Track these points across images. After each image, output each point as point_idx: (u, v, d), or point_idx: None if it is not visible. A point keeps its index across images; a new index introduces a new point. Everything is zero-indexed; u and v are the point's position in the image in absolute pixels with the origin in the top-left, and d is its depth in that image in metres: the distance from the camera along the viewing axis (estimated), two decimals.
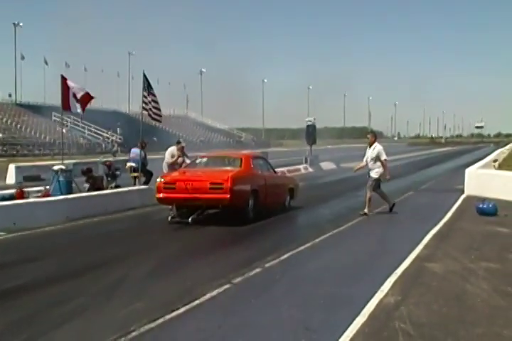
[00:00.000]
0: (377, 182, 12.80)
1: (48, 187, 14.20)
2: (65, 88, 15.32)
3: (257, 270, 7.61)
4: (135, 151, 15.96)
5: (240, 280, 7.07)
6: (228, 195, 11.02)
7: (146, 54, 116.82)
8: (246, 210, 11.65)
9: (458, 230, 10.91)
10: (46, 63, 73.14)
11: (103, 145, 58.52)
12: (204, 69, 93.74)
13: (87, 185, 14.92)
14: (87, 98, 15.77)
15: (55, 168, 14.43)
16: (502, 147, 59.85)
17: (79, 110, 15.61)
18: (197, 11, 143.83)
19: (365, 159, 13.10)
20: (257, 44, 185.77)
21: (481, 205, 12.69)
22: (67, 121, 62.09)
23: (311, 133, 30.96)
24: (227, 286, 6.80)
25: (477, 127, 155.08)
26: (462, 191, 17.04)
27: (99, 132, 62.03)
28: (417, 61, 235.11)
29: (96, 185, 14.93)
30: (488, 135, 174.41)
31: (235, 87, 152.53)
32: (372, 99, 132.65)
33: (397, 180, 23.14)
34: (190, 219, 11.23)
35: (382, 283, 6.83)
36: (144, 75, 15.10)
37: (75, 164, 22.96)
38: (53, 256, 8.73)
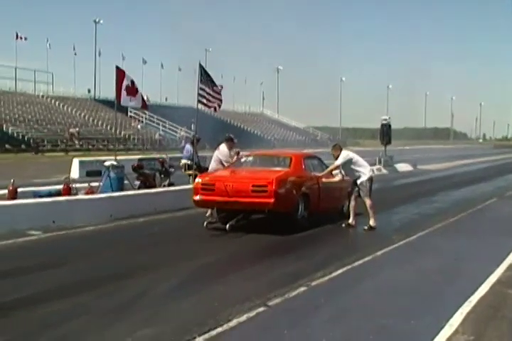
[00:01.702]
0: (371, 184, 11.16)
1: (98, 183, 13.53)
2: (120, 80, 14.66)
3: (301, 289, 6.42)
4: (187, 148, 15.03)
5: (277, 302, 5.91)
6: (273, 199, 9.77)
7: (223, 50, 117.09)
8: (295, 216, 10.37)
9: None
10: (123, 59, 74.21)
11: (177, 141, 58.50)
12: (281, 67, 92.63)
13: (137, 183, 14.15)
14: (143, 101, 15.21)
15: (107, 163, 13.76)
16: None
17: (134, 104, 14.95)
18: (275, 8, 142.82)
19: (338, 172, 11.58)
20: (337, 42, 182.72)
21: None
22: (142, 117, 63.04)
23: (386, 133, 29.22)
24: (260, 309, 5.66)
25: None
26: None
27: (173, 128, 62.22)
28: (503, 59, 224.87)
29: (148, 182, 14.13)
30: None
31: (312, 85, 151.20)
32: (456, 99, 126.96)
33: (478, 185, 21.34)
34: (227, 225, 10.02)
35: (451, 315, 5.51)
36: (201, 66, 14.16)
37: (140, 159, 22.52)
38: (77, 261, 7.85)
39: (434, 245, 9.38)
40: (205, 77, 14.46)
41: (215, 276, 7.17)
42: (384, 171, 27.49)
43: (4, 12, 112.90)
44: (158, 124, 62.98)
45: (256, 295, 6.09)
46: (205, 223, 10.24)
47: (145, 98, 16.03)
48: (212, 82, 14.98)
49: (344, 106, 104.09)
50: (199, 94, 14.23)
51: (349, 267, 7.56)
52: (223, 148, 12.46)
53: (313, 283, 6.68)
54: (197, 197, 10.46)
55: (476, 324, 5.33)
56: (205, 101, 14.31)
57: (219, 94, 15.12)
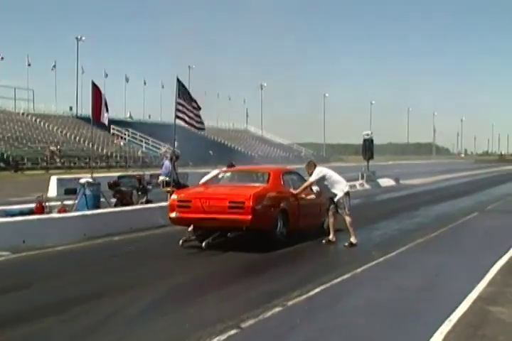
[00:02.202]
0: (349, 199, 11.03)
1: (73, 201, 13.21)
2: (97, 97, 14.47)
3: (276, 309, 6.17)
4: (166, 164, 14.78)
5: (251, 324, 5.65)
6: (250, 216, 9.52)
7: (207, 67, 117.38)
8: (273, 233, 10.11)
9: None
10: (106, 76, 74.03)
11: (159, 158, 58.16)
12: (265, 84, 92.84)
13: (114, 200, 13.85)
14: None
15: (82, 181, 13.49)
16: None
17: (106, 121, 14.74)
18: (259, 25, 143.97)
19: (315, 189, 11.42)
20: (320, 59, 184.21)
21: None
22: (125, 134, 62.72)
23: (368, 148, 29.13)
24: (232, 332, 5.40)
25: None
26: None
27: (156, 145, 61.89)
28: (484, 75, 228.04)
29: (124, 199, 13.84)
30: None
31: (296, 102, 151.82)
32: (438, 114, 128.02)
33: (460, 199, 21.29)
34: (203, 243, 9.75)
35: (431, 335, 5.30)
36: (179, 81, 13.96)
37: (120, 177, 22.20)
38: (46, 282, 7.55)
39: (414, 261, 9.20)
40: (184, 93, 14.26)
41: (188, 296, 6.92)
42: (366, 186, 27.39)
43: None
44: (141, 141, 62.68)
45: (229, 317, 5.84)
46: (180, 241, 9.96)
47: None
48: (191, 98, 14.78)
49: (328, 122, 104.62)
50: (177, 109, 14.01)
51: (328, 285, 7.33)
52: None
53: (290, 303, 6.44)
54: (173, 215, 10.20)
55: None
56: (182, 116, 14.08)
57: (197, 110, 14.91)
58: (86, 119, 62.53)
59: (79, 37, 67.42)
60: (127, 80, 79.38)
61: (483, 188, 27.35)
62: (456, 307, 6.23)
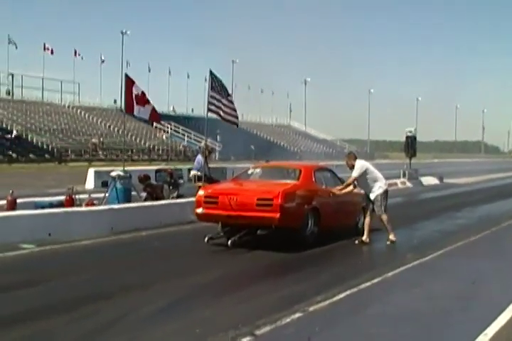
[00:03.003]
0: (386, 197, 10.51)
1: (104, 194, 13.08)
2: (129, 89, 14.26)
3: (296, 315, 5.78)
4: (199, 159, 14.46)
5: (266, 331, 5.28)
6: (278, 214, 9.12)
7: (250, 62, 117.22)
8: (303, 233, 9.70)
9: None
10: (149, 70, 74.63)
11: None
12: (309, 79, 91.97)
13: (144, 194, 13.65)
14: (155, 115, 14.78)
15: (113, 173, 13.33)
16: None
17: (143, 115, 14.54)
18: (303, 20, 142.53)
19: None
20: (366, 54, 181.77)
21: None
22: (167, 128, 63.06)
23: (411, 145, 28.34)
24: (244, 340, 5.04)
25: None
26: None
27: (198, 139, 61.99)
28: None
29: (155, 194, 13.62)
30: None
31: (341, 97, 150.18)
32: (487, 112, 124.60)
33: (506, 200, 20.37)
34: (229, 242, 9.40)
35: None
36: (212, 74, 13.62)
37: (157, 171, 22.12)
38: (65, 278, 7.32)
39: (451, 266, 8.65)
40: (217, 86, 13.93)
41: (204, 298, 6.57)
42: (408, 184, 26.64)
43: (33, 24, 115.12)
44: (184, 135, 62.89)
45: (244, 322, 5.48)
46: (206, 238, 9.65)
47: (157, 110, 15.51)
48: (226, 91, 14.44)
49: (373, 118, 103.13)
50: (209, 102, 13.68)
51: (354, 290, 6.89)
52: None
53: (311, 308, 6.04)
54: (199, 210, 9.90)
55: None
56: (215, 109, 13.74)
57: (232, 104, 14.55)
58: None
59: (124, 31, 67.90)
60: (170, 73, 79.87)
61: None
62: (494, 319, 5.72)
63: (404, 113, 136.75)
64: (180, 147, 59.35)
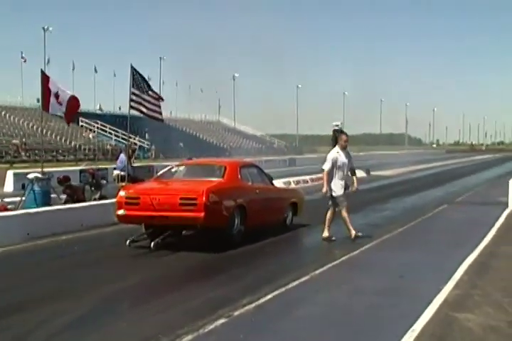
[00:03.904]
0: None
1: (20, 198, 12.39)
2: (46, 86, 13.60)
3: (220, 321, 5.49)
4: (121, 158, 13.95)
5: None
6: (203, 213, 8.80)
7: (179, 59, 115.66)
8: (229, 232, 9.42)
9: (502, 258, 8.62)
10: (73, 68, 72.62)
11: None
12: (237, 74, 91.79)
13: (64, 197, 13.04)
14: (74, 104, 14.03)
15: (30, 176, 12.67)
16: None
17: (59, 113, 13.87)
18: (231, 14, 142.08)
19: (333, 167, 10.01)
20: (294, 48, 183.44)
21: None
22: (94, 126, 61.39)
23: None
24: None
25: None
26: (506, 205, 14.62)
27: (126, 138, 60.65)
28: (455, 65, 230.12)
29: (75, 195, 13.03)
30: None
31: (269, 93, 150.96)
32: (410, 104, 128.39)
33: (430, 190, 20.86)
34: (152, 244, 9.02)
35: None
36: (133, 69, 13.15)
37: (82, 171, 21.36)
38: None
39: (378, 260, 8.58)
40: (138, 82, 13.46)
41: (121, 307, 6.20)
42: None
43: None
44: (111, 134, 61.38)
45: (165, 332, 5.15)
46: (127, 241, 9.22)
47: (75, 110, 14.78)
48: (148, 86, 13.99)
49: (302, 113, 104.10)
50: (131, 99, 13.21)
51: (282, 290, 6.67)
52: None
53: (236, 313, 5.76)
54: (120, 212, 9.45)
55: None
56: (137, 106, 13.28)
57: (156, 100, 14.12)
58: None
59: (46, 27, 65.64)
60: (96, 71, 77.97)
61: (454, 179, 27.01)
62: (421, 314, 5.62)
63: (332, 107, 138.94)
64: (108, 146, 57.88)
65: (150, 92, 13.85)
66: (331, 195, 10.05)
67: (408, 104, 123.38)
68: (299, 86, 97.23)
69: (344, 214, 10.05)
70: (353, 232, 9.98)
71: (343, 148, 10.12)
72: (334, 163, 9.93)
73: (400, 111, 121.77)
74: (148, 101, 13.80)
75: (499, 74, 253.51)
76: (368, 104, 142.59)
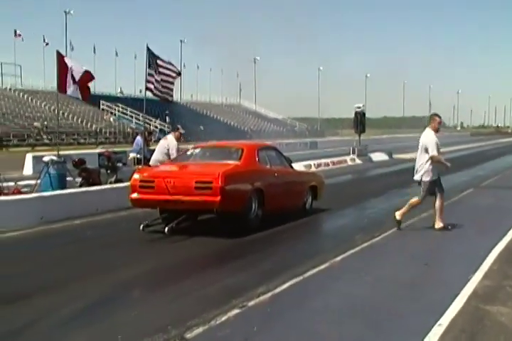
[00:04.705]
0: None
1: (36, 181, 12.19)
2: (62, 67, 13.29)
3: (234, 312, 5.19)
4: (137, 140, 13.63)
5: (198, 334, 4.67)
6: (219, 197, 8.45)
7: (198, 42, 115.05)
8: (246, 217, 9.08)
9: None
10: (94, 51, 72.51)
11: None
12: (258, 57, 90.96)
13: (79, 180, 12.81)
14: (87, 78, 13.69)
15: (45, 158, 12.42)
16: None
17: (77, 94, 13.55)
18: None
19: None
20: (315, 32, 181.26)
21: None
22: (114, 110, 61.34)
23: (359, 121, 27.98)
24: None
25: None
26: None
27: (147, 121, 60.58)
28: (479, 48, 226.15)
29: (91, 179, 12.79)
30: None
31: (291, 76, 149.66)
32: (434, 87, 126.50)
33: (455, 174, 20.27)
34: (166, 229, 8.72)
35: None
36: (149, 50, 12.78)
37: (100, 154, 21.15)
38: None
39: (401, 247, 8.19)
40: (154, 63, 13.10)
41: (132, 296, 5.95)
42: (358, 161, 26.38)
43: None
44: (132, 117, 61.30)
45: (174, 323, 4.86)
46: (141, 226, 8.95)
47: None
48: (165, 66, 13.58)
49: (323, 96, 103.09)
50: (147, 81, 12.87)
51: (300, 279, 6.34)
52: (171, 138, 11.22)
53: (251, 303, 5.45)
54: (134, 196, 9.17)
55: None
56: (153, 88, 12.93)
57: (173, 78, 13.71)
58: None
59: (67, 10, 65.43)
60: (117, 54, 77.86)
61: (480, 162, 26.31)
62: (447, 307, 5.25)
63: (353, 90, 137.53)
64: (128, 129, 57.82)
65: (166, 70, 13.44)
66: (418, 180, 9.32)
67: (432, 86, 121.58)
68: (321, 68, 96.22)
69: (417, 201, 9.31)
70: (441, 224, 9.15)
71: (436, 131, 9.26)
72: (438, 147, 9.12)
73: (423, 94, 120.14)
74: (163, 81, 13.43)
75: None
76: (390, 86, 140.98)
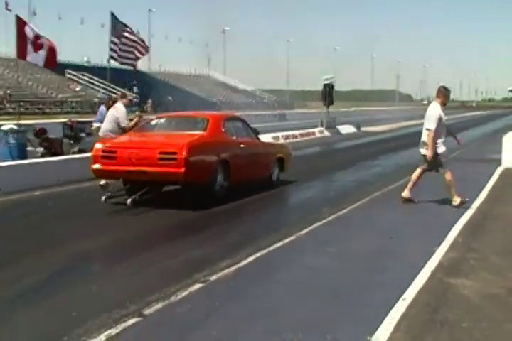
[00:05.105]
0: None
1: None
2: (21, 32, 12.78)
3: (196, 286, 5.05)
4: (101, 110, 13.25)
5: (157, 310, 4.51)
6: (183, 169, 8.26)
7: (166, 11, 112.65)
8: (212, 188, 8.94)
9: (497, 219, 8.21)
10: (59, 18, 70.52)
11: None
12: (227, 28, 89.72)
13: (40, 149, 12.45)
14: (52, 46, 13.22)
15: (4, 127, 12.02)
16: None
17: (38, 61, 13.07)
18: None
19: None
20: (284, 3, 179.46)
21: None
22: (81, 79, 59.97)
23: (328, 94, 27.87)
24: (130, 322, 4.24)
25: (510, 90, 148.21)
26: (499, 162, 14.19)
27: (115, 91, 59.43)
28: (447, 24, 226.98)
29: (53, 148, 12.44)
30: None
31: (259, 47, 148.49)
32: (402, 61, 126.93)
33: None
34: (129, 200, 8.53)
35: (380, 322, 4.24)
36: (113, 16, 12.34)
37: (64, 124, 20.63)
38: None
39: (368, 219, 8.12)
40: (120, 30, 12.67)
41: (92, 269, 5.76)
42: (326, 133, 26.38)
43: None
44: (99, 87, 60.04)
45: (133, 299, 4.70)
46: (103, 197, 8.72)
47: (55, 54, 13.91)
48: (131, 37, 13.14)
49: (292, 68, 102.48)
50: (110, 49, 12.46)
51: (264, 252, 6.24)
52: (120, 106, 10.89)
53: (213, 277, 5.32)
54: (96, 166, 8.92)
55: (410, 334, 4.09)
56: (116, 56, 12.53)
57: (140, 47, 13.31)
58: None
59: None
60: (83, 23, 75.87)
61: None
62: (411, 281, 5.19)
63: (322, 62, 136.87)
64: (95, 99, 56.69)
65: (132, 38, 13.04)
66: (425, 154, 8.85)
67: (400, 60, 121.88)
68: (290, 40, 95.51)
69: (449, 177, 8.83)
70: (458, 199, 8.80)
71: (444, 105, 8.85)
72: (440, 121, 8.68)
73: (391, 68, 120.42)
74: (128, 47, 13.01)
75: (490, 32, 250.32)
76: (359, 60, 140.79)
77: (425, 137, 8.78)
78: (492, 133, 26.96)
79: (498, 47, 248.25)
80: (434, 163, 8.84)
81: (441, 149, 8.74)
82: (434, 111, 8.70)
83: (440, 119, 8.68)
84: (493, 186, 10.98)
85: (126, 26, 13.12)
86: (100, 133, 10.91)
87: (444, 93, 8.89)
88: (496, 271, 5.61)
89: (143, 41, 13.65)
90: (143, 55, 13.65)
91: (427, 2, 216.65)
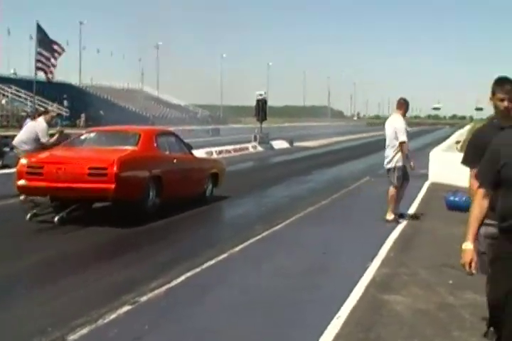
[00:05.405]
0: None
1: None
2: None
3: (124, 309, 4.83)
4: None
5: (82, 335, 4.27)
6: (113, 185, 8.01)
7: (99, 24, 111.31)
8: (143, 205, 8.71)
9: (426, 233, 8.35)
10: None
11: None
12: (161, 43, 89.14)
13: None
14: None
15: None
16: (459, 129, 58.65)
17: None
18: None
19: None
20: (219, 18, 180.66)
21: (451, 197, 10.07)
22: (7, 92, 58.10)
23: (261, 109, 28.02)
24: None
25: (434, 108, 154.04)
26: (426, 177, 14.55)
27: (43, 104, 57.85)
28: (377, 40, 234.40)
29: None
30: (444, 117, 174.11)
31: (193, 62, 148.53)
32: (332, 78, 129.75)
33: (352, 162, 20.82)
34: (56, 218, 8.19)
35: None
36: (39, 27, 11.96)
37: None
38: None
39: (302, 235, 8.08)
40: (44, 40, 12.29)
41: (10, 293, 5.40)
42: (259, 148, 26.45)
43: None
44: (26, 100, 58.27)
45: (56, 324, 4.44)
46: (28, 215, 8.34)
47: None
48: (52, 43, 12.68)
49: (226, 83, 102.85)
50: (37, 60, 12.06)
51: (197, 270, 6.08)
52: (41, 121, 10.56)
53: (143, 298, 5.12)
54: (21, 182, 8.53)
55: None
56: (42, 66, 12.13)
57: (57, 54, 12.88)
58: None
59: None
60: (9, 34, 73.83)
61: (376, 151, 27.01)
62: (346, 298, 5.15)
63: (256, 78, 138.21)
64: (23, 112, 54.96)
65: (55, 48, 12.64)
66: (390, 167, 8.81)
67: (330, 77, 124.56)
68: (224, 56, 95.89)
69: (392, 193, 8.82)
70: (392, 216, 8.79)
71: (403, 116, 8.96)
72: (407, 132, 8.80)
73: (323, 84, 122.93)
74: (49, 60, 12.61)
75: (416, 52, 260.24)
76: (291, 75, 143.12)
77: (389, 152, 8.81)
78: (420, 148, 27.74)
79: (426, 68, 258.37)
80: (391, 176, 8.85)
81: (399, 163, 8.81)
82: (400, 123, 8.78)
83: (407, 131, 8.85)
84: (421, 200, 11.20)
85: (49, 38, 12.70)
86: (14, 143, 10.55)
87: (403, 105, 9.04)
88: (426, 285, 5.65)
89: (58, 44, 13.17)
90: (60, 54, 13.20)
91: (352, 19, 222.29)
